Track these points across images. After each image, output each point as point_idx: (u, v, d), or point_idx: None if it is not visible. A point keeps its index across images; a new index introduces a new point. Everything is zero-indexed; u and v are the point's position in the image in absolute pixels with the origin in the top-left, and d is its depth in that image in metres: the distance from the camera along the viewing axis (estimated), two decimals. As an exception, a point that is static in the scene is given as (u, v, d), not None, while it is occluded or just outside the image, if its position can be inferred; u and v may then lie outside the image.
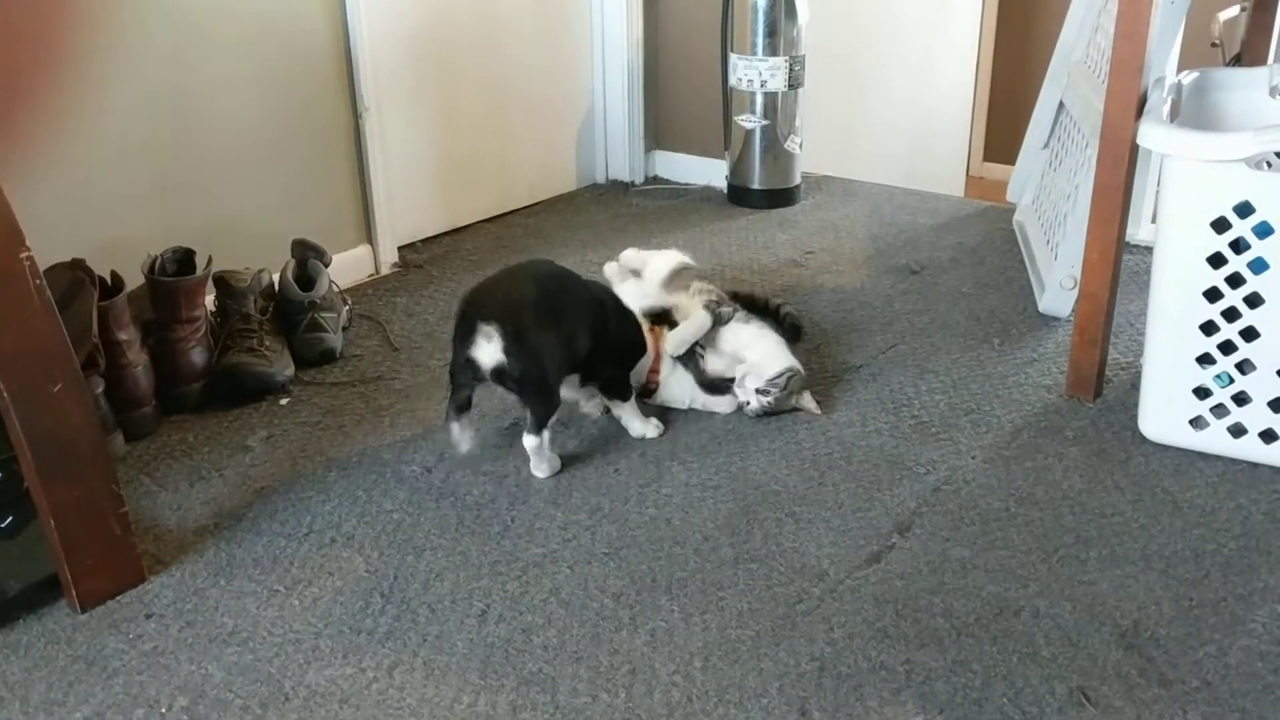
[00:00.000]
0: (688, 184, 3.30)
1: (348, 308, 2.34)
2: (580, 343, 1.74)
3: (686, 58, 3.22)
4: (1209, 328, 1.72)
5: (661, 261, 2.03)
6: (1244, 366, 1.72)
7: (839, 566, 1.54)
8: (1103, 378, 1.99)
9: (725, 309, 1.98)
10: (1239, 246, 1.67)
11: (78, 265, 1.85)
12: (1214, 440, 1.77)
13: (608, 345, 1.80)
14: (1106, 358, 1.99)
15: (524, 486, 1.75)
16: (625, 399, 1.87)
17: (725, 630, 1.42)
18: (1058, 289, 2.26)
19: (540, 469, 1.77)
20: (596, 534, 1.63)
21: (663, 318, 1.97)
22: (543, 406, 1.71)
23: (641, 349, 1.89)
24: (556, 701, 1.31)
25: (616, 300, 1.90)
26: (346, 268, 2.52)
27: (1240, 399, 1.74)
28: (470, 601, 1.49)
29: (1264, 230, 1.64)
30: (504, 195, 3.05)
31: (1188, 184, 1.68)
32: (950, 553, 1.57)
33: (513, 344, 1.64)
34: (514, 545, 1.61)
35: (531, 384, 1.69)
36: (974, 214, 2.98)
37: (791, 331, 2.16)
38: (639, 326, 1.90)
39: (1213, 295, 1.70)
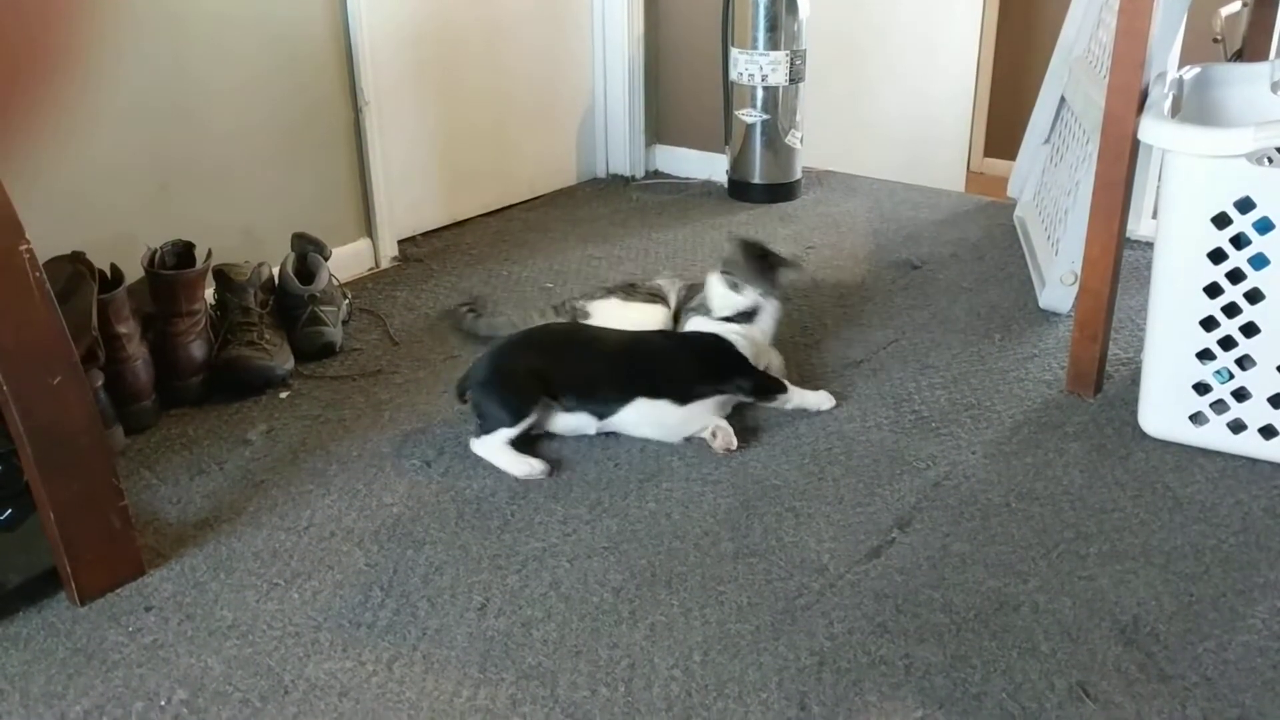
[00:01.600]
0: (688, 179, 3.30)
1: (347, 301, 2.34)
2: (566, 377, 1.82)
3: (687, 52, 3.22)
4: (1209, 323, 1.72)
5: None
6: (1244, 362, 1.72)
7: (839, 561, 1.54)
8: (1103, 373, 1.99)
9: (691, 303, 2.02)
10: (1240, 242, 1.67)
11: (77, 258, 1.85)
12: (1214, 436, 1.77)
13: (668, 367, 1.87)
14: (1107, 353, 1.99)
15: (524, 480, 1.75)
16: (783, 390, 1.92)
17: (725, 625, 1.42)
18: (1058, 284, 2.26)
19: (512, 469, 1.77)
20: (596, 528, 1.63)
21: None
22: (483, 419, 1.81)
23: (723, 349, 1.91)
24: (556, 695, 1.31)
25: (663, 335, 2.01)
26: (346, 261, 2.52)
27: (1240, 395, 1.73)
28: (470, 595, 1.49)
29: (1264, 226, 1.64)
30: (504, 190, 3.05)
31: (1189, 179, 1.68)
32: (950, 548, 1.57)
33: (476, 367, 1.86)
34: (514, 539, 1.61)
35: (476, 395, 1.84)
36: (975, 209, 2.98)
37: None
38: (709, 339, 1.92)
39: (1213, 291, 1.70)
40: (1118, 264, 1.89)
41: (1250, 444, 1.75)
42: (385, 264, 2.64)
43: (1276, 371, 1.69)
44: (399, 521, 1.66)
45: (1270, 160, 1.61)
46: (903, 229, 2.84)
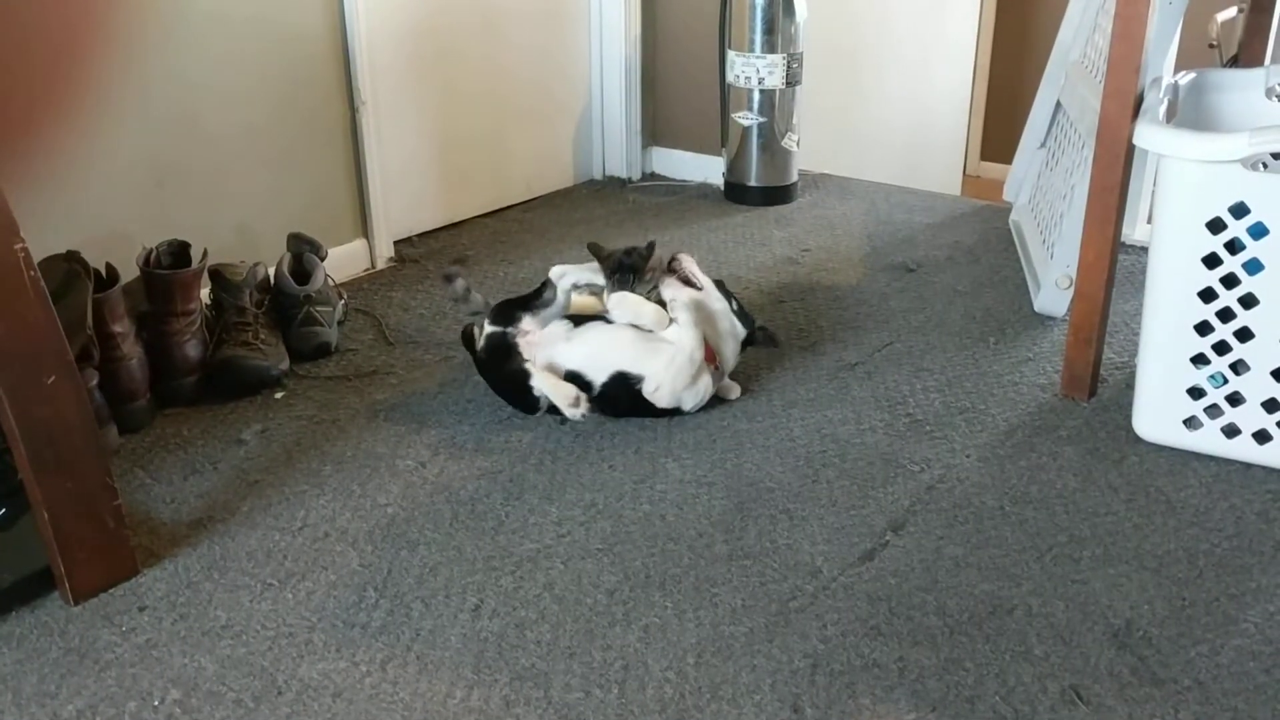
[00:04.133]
0: (684, 181, 3.30)
1: (343, 302, 2.34)
2: None
3: (684, 54, 3.22)
4: (1204, 328, 1.72)
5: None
6: (1238, 367, 1.72)
7: (832, 564, 1.55)
8: (1097, 377, 1.99)
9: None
10: (1234, 247, 1.67)
11: (73, 257, 1.85)
12: (1208, 440, 1.78)
13: None
14: (1101, 357, 1.99)
15: (518, 482, 1.75)
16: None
17: (718, 627, 1.42)
18: (1053, 288, 2.26)
19: (560, 399, 1.89)
20: (591, 530, 1.63)
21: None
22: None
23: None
24: (549, 697, 1.31)
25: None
26: (342, 262, 2.51)
27: (1234, 399, 1.74)
28: (464, 596, 1.49)
29: (1259, 231, 1.64)
30: (501, 191, 3.05)
31: (1184, 184, 1.68)
32: (944, 551, 1.57)
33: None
34: (508, 540, 1.61)
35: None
36: (970, 213, 2.99)
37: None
38: None
39: (1208, 296, 1.71)
40: (1113, 268, 1.89)
41: (1244, 448, 1.75)
42: (381, 264, 2.64)
43: (1270, 376, 1.69)
44: (393, 522, 1.65)
45: (1265, 166, 1.61)
46: (898, 232, 2.84)
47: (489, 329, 1.95)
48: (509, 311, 1.95)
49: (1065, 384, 2.00)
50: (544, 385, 1.88)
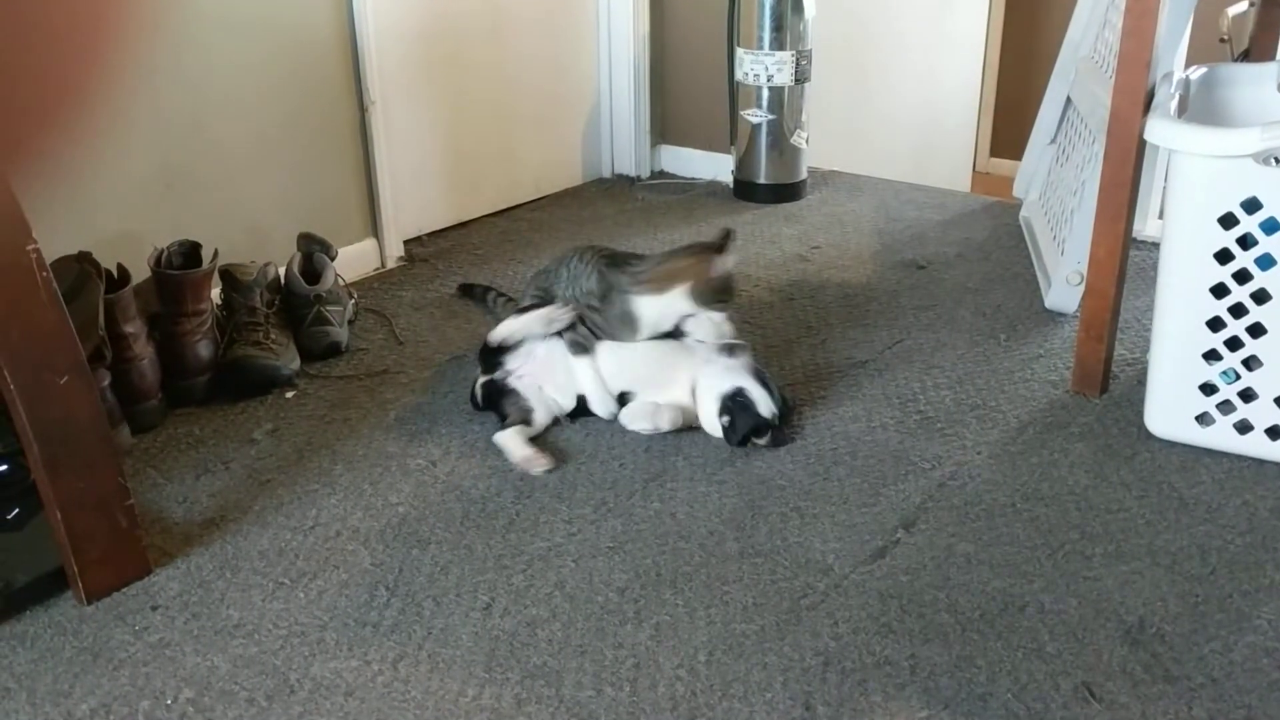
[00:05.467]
0: (693, 179, 3.30)
1: (353, 301, 2.34)
2: None
3: (693, 52, 3.22)
4: (1216, 324, 1.72)
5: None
6: (1250, 363, 1.72)
7: (844, 561, 1.54)
8: (1109, 374, 1.99)
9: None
10: (1246, 242, 1.66)
11: (84, 258, 1.86)
12: (1220, 436, 1.77)
13: None
14: (1113, 354, 1.98)
15: (529, 481, 1.75)
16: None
17: (730, 625, 1.42)
18: (1064, 284, 2.26)
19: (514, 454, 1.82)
20: (601, 528, 1.63)
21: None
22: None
23: None
24: (561, 695, 1.31)
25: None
26: (352, 261, 2.52)
27: (1247, 395, 1.73)
28: (475, 595, 1.49)
29: (1271, 226, 1.63)
30: (510, 189, 3.05)
31: (1195, 180, 1.68)
32: (955, 548, 1.57)
33: None
34: (519, 539, 1.61)
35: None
36: (980, 209, 2.98)
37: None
38: None
39: (1220, 291, 1.70)
40: (1124, 264, 1.89)
41: (1257, 445, 1.75)
42: (391, 264, 2.65)
43: (1283, 372, 1.69)
44: (404, 521, 1.66)
45: (1277, 160, 1.61)
46: (908, 229, 2.83)
47: (481, 379, 1.92)
48: (491, 359, 1.92)
49: (1076, 380, 1.99)
50: (506, 449, 1.82)
